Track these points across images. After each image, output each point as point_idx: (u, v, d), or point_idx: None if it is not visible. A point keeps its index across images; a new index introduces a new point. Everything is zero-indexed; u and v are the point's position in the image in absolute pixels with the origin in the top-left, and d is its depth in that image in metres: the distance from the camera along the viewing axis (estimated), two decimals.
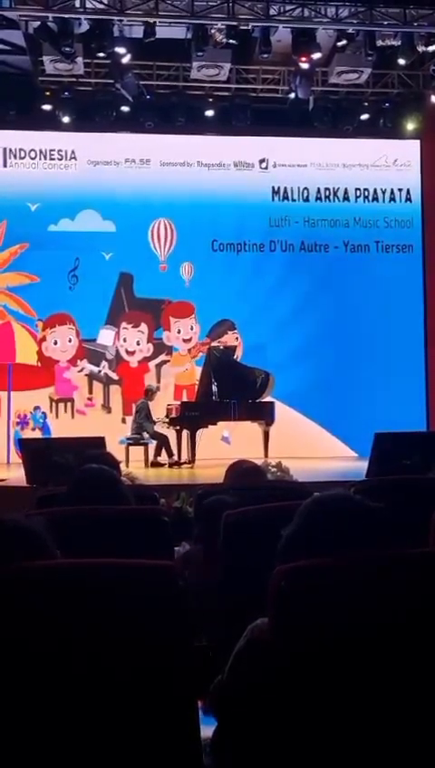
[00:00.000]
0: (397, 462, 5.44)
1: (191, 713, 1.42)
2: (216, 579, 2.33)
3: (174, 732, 1.40)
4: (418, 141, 11.41)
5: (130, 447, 9.37)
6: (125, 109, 10.40)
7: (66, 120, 10.42)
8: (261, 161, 11.35)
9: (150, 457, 9.55)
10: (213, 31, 9.24)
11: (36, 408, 10.83)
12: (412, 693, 1.41)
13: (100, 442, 5.99)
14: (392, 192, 11.53)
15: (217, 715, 1.71)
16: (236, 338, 11.17)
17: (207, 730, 1.62)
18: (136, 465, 8.79)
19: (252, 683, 1.47)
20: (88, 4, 8.90)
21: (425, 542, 1.99)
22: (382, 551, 1.49)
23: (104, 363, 11.03)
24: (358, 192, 11.48)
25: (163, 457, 9.58)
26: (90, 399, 10.99)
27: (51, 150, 10.99)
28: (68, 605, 1.40)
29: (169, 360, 11.14)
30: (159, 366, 11.13)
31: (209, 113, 10.72)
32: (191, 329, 11.19)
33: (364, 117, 10.90)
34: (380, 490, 3.02)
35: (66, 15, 8.83)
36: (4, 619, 1.37)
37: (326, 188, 11.44)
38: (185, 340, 11.20)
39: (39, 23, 8.99)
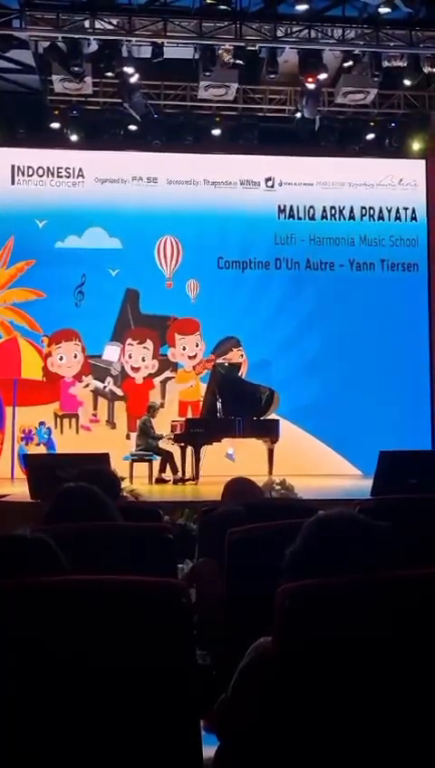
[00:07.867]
0: (402, 481, 5.42)
1: (193, 732, 1.41)
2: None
3: (176, 751, 1.39)
4: (423, 161, 11.48)
5: (135, 464, 9.36)
6: (133, 127, 10.50)
7: (74, 138, 10.53)
8: (267, 180, 11.42)
9: (155, 474, 9.54)
10: (220, 51, 9.33)
11: (41, 423, 10.84)
12: (418, 712, 1.40)
13: (104, 458, 5.98)
14: (398, 211, 11.58)
15: (220, 734, 1.70)
16: (241, 355, 11.18)
17: (209, 750, 1.60)
18: (140, 482, 8.77)
19: (255, 702, 1.47)
20: (97, 25, 9.01)
21: (430, 562, 1.98)
22: (387, 570, 1.48)
23: (109, 379, 11.05)
24: (364, 211, 11.53)
25: (168, 474, 9.57)
26: (94, 415, 11.00)
27: (59, 168, 11.08)
28: (73, 620, 1.39)
29: (173, 377, 11.15)
30: (163, 382, 11.14)
31: (216, 132, 10.80)
32: (196, 345, 11.21)
33: (370, 137, 10.98)
34: (384, 509, 3.01)
35: (76, 36, 8.95)
36: (12, 631, 1.37)
37: (332, 207, 11.49)
38: (190, 357, 11.21)
39: (49, 43, 9.12)
